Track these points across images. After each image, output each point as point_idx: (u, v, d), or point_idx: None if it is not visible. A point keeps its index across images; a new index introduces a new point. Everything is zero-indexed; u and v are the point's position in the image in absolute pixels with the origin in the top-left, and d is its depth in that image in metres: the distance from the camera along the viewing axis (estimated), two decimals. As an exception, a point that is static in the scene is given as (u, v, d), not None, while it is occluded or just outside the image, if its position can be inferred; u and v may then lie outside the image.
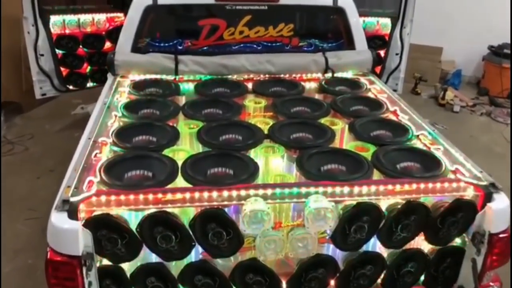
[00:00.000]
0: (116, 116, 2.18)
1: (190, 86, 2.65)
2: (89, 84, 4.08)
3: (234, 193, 1.63)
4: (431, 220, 1.68)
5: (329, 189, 1.66)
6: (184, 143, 2.09)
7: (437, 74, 6.16)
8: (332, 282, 1.76)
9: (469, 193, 1.71)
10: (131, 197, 1.58)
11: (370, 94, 2.62)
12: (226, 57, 2.76)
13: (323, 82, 2.72)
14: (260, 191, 1.64)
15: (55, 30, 3.77)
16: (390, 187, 1.69)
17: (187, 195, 1.61)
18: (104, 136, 1.97)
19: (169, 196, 1.60)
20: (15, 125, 4.72)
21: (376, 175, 1.81)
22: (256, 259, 1.67)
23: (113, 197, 1.57)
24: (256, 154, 1.97)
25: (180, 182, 1.73)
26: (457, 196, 1.69)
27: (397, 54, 3.82)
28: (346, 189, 1.67)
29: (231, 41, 2.82)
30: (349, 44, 2.97)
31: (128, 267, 1.66)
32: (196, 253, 1.69)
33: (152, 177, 1.77)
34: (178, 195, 1.61)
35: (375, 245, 1.77)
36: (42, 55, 3.86)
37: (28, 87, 4.16)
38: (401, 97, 2.54)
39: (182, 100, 2.52)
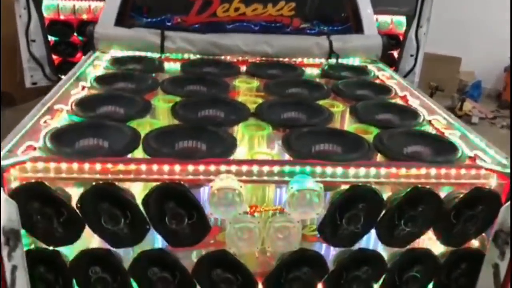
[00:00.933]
0: (84, 87, 1.91)
1: (177, 66, 2.37)
2: (83, 74, 3.84)
3: (202, 167, 1.33)
4: (443, 213, 1.37)
5: (318, 169, 1.36)
6: (158, 118, 1.81)
7: (455, 85, 5.82)
8: (320, 286, 1.44)
9: (491, 182, 1.39)
10: (74, 165, 1.29)
11: (377, 81, 2.32)
12: (218, 36, 2.49)
13: (325, 67, 2.43)
14: (233, 167, 1.34)
15: (48, 14, 3.56)
16: (393, 170, 1.38)
17: (143, 166, 1.32)
18: (63, 103, 1.70)
19: (120, 167, 1.31)
20: (5, 118, 4.49)
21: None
22: (225, 251, 1.36)
23: (52, 164, 1.29)
24: (237, 132, 1.68)
25: (140, 154, 1.44)
26: (476, 185, 1.37)
27: (412, 55, 3.52)
28: (339, 171, 1.36)
29: (225, 19, 2.54)
30: (357, 28, 2.66)
31: (69, 253, 1.36)
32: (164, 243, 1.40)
33: (107, 148, 1.48)
34: (132, 166, 1.32)
35: (374, 242, 1.46)
36: (33, 40, 3.66)
37: (22, 78, 3.98)
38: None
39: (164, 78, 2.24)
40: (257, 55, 2.50)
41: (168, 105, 1.81)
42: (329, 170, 1.36)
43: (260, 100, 1.93)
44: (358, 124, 1.76)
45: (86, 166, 1.29)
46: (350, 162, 1.39)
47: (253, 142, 1.65)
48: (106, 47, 2.45)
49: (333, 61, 2.54)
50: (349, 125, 1.87)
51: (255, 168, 1.34)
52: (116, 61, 2.30)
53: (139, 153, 1.44)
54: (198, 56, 2.46)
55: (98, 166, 1.29)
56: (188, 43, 2.43)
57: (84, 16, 3.72)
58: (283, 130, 1.67)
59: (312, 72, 2.48)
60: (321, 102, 1.95)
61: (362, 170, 1.36)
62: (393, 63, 3.28)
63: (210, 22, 2.54)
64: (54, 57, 3.73)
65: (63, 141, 1.43)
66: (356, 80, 2.24)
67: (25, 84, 3.78)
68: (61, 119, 1.62)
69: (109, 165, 1.30)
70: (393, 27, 3.47)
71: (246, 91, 2.11)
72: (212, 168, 1.33)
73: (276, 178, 1.34)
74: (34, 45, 3.60)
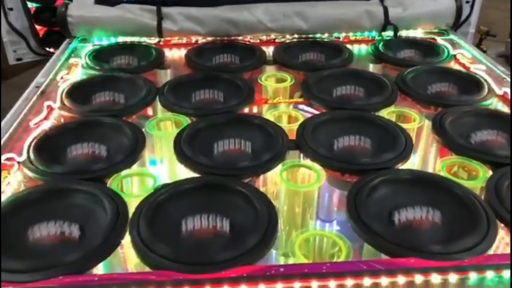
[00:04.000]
0: (50, 108, 1.35)
1: (181, 54, 1.77)
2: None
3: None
4: None
5: None
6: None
7: (508, 28, 5.02)
8: None
9: None
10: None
11: (455, 65, 1.69)
12: (234, 9, 1.85)
13: (380, 45, 1.79)
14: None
15: (24, -24, 2.93)
16: None
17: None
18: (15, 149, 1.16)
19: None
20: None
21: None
22: None
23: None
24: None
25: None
26: None
27: (467, 2, 2.81)
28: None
29: (241, -16, 1.89)
30: (420, -13, 1.98)
31: None
32: None
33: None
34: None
35: None
36: (10, 9, 3.05)
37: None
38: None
39: (165, 77, 1.65)
40: (287, 32, 1.87)
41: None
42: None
43: (299, 115, 1.35)
44: (454, 158, 1.18)
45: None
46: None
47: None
48: (87, 33, 1.85)
49: (389, 34, 1.90)
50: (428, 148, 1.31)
51: None
52: (99, 54, 1.70)
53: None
54: (208, 38, 1.85)
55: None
56: (194, 22, 1.81)
57: (70, -24, 3.11)
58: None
59: (361, 50, 1.86)
60: (386, 112, 1.36)
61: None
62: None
63: (221, -10, 1.89)
64: (37, 27, 3.17)
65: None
66: (431, 68, 1.61)
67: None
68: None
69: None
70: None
71: (276, 93, 1.52)
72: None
73: None
74: (12, 14, 3.00)
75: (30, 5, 3.03)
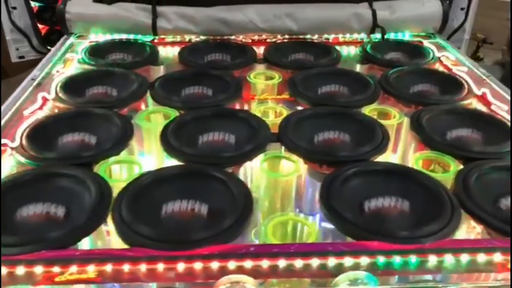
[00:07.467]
0: (45, 99, 1.41)
1: (175, 52, 1.83)
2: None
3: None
4: None
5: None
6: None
7: (505, 35, 5.06)
8: None
9: None
10: None
11: (439, 67, 1.75)
12: (227, 9, 1.92)
13: (368, 47, 1.84)
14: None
15: (28, -26, 3.00)
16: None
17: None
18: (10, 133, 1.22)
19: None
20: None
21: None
22: None
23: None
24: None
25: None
26: None
27: (462, 8, 2.85)
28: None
29: (234, -15, 1.95)
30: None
31: None
32: None
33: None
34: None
35: None
36: (14, 8, 3.12)
37: (10, 50, 3.52)
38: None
39: (158, 73, 1.71)
40: (278, 33, 1.93)
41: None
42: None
43: (283, 110, 1.41)
44: (428, 153, 1.23)
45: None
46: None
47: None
48: (84, 30, 1.92)
49: (377, 36, 1.95)
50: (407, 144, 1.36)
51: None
52: (94, 50, 1.77)
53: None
54: (201, 37, 1.91)
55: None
56: (188, 21, 1.87)
57: (72, -24, 3.17)
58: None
59: (349, 52, 1.92)
60: (367, 110, 1.41)
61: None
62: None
63: (215, -10, 1.95)
64: (40, 26, 3.24)
65: None
66: (413, 69, 1.66)
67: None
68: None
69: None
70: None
71: (264, 90, 1.58)
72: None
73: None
74: (16, 13, 3.07)
75: (33, 4, 3.10)
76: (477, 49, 4.82)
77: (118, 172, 1.21)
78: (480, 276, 0.89)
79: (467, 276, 0.86)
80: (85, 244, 0.95)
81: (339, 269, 0.85)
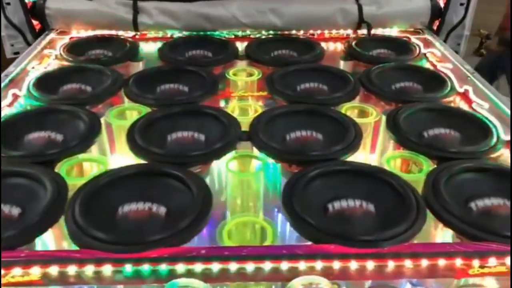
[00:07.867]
0: (16, 96, 1.40)
1: (156, 47, 1.80)
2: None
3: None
4: None
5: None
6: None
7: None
8: None
9: None
10: None
11: (425, 63, 1.70)
12: (209, 4, 1.88)
13: (353, 43, 1.80)
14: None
15: (21, -32, 2.98)
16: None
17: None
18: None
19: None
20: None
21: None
22: None
23: None
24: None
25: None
26: None
27: (462, 4, 2.79)
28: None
29: (217, -20, 1.92)
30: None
31: None
32: None
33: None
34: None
35: None
36: (8, 3, 3.11)
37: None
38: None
39: (137, 69, 1.68)
40: (262, 28, 1.90)
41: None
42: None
43: (258, 108, 1.38)
44: (401, 152, 1.19)
45: None
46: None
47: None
48: (64, 26, 1.90)
49: (364, 32, 1.91)
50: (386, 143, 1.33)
51: (232, 266, 0.83)
52: (73, 47, 1.74)
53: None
54: (184, 33, 1.88)
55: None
56: (169, 17, 1.84)
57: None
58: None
59: (335, 48, 1.88)
60: (344, 108, 1.38)
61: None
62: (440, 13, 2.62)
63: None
64: (34, 22, 3.23)
65: None
66: (396, 66, 1.62)
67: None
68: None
69: None
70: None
71: (244, 87, 1.55)
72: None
73: None
74: (10, 9, 3.07)
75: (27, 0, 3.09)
76: (480, 45, 4.77)
77: (90, 172, 1.18)
78: (444, 281, 0.86)
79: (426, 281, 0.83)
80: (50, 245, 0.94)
81: (293, 273, 0.82)
